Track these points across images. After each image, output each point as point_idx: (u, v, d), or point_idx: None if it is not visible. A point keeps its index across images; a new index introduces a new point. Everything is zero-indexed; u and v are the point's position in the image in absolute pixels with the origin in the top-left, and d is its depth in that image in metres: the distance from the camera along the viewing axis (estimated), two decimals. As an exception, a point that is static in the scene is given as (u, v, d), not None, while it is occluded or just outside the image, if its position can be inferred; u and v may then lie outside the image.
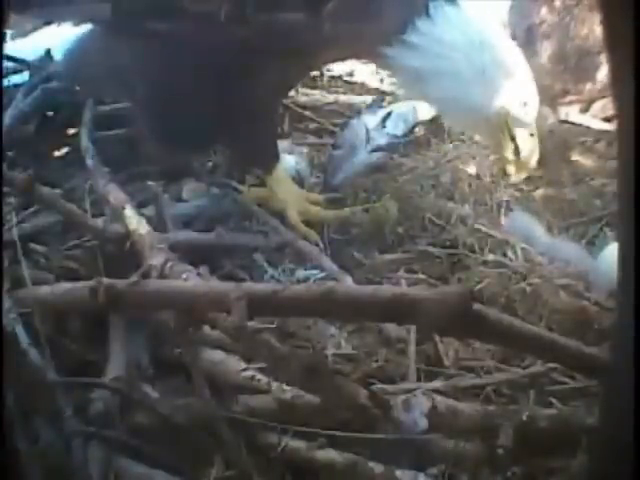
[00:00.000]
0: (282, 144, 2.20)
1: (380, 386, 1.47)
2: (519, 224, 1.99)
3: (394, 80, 2.00)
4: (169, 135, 1.90)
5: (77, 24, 1.85)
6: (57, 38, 2.01)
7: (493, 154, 2.13)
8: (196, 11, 1.65)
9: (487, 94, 1.84)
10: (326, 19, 1.63)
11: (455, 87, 1.83)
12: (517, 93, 1.86)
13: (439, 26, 1.79)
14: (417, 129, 2.36)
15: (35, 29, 1.98)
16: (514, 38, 2.65)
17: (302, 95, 2.58)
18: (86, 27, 1.88)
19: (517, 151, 1.90)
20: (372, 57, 1.91)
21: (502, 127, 1.89)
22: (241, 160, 2.14)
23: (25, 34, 2.02)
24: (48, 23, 1.91)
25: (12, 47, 2.18)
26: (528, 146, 1.91)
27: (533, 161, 1.94)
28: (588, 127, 2.49)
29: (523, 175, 2.00)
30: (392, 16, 1.74)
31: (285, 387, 1.42)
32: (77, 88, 2.26)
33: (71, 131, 2.28)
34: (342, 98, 2.63)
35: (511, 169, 1.95)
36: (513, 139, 1.90)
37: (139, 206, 1.79)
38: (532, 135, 1.91)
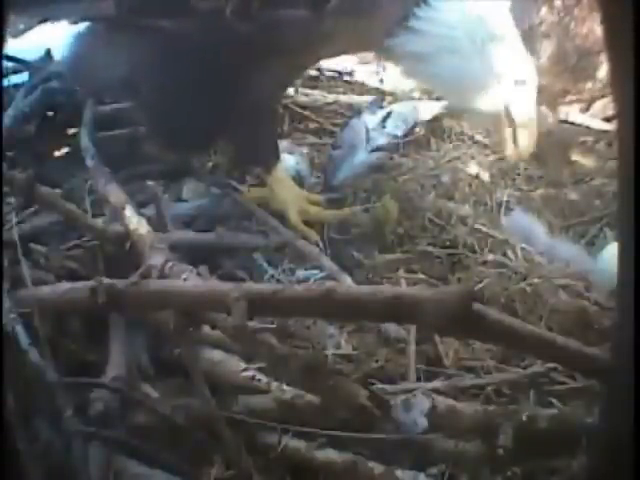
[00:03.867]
0: (282, 144, 2.20)
1: (380, 386, 1.47)
2: (519, 223, 1.99)
3: (398, 69, 1.98)
4: (170, 133, 1.90)
5: (79, 21, 1.85)
6: (57, 37, 2.01)
7: (493, 140, 2.12)
8: (202, 8, 1.66)
9: (486, 68, 1.85)
10: (329, 15, 1.64)
11: (456, 64, 1.83)
12: (515, 70, 1.87)
13: (438, 10, 1.81)
14: (417, 129, 2.36)
15: (31, 27, 1.98)
16: (514, 38, 2.67)
17: (302, 95, 2.58)
18: (87, 24, 1.88)
19: (515, 136, 1.90)
20: (375, 50, 1.93)
21: (500, 107, 1.88)
22: (242, 159, 2.14)
23: (21, 32, 2.02)
24: (44, 21, 1.91)
25: (11, 46, 2.18)
26: (525, 133, 1.89)
27: (529, 148, 1.93)
28: (588, 127, 2.49)
29: (518, 159, 2.01)
30: (393, 9, 1.76)
31: (285, 387, 1.42)
32: (77, 88, 2.25)
33: (71, 131, 2.27)
34: (342, 98, 2.63)
35: (509, 152, 1.95)
36: (512, 122, 1.89)
37: (139, 206, 1.79)
38: (530, 120, 1.90)
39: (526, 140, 1.90)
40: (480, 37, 1.83)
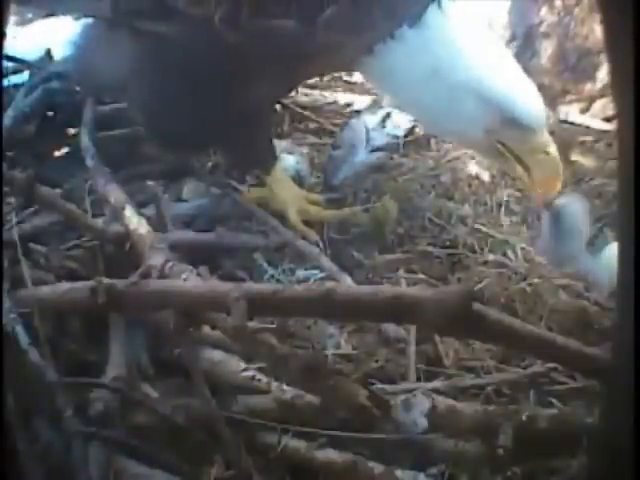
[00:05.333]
0: (282, 144, 2.20)
1: (380, 386, 1.47)
2: (573, 209, 1.91)
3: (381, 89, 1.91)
4: (165, 136, 1.91)
5: (77, 18, 1.85)
6: (57, 36, 2.01)
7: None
8: (191, 14, 1.65)
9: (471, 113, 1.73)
10: (320, 28, 1.62)
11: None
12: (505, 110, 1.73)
13: (427, 33, 1.71)
14: (417, 129, 2.36)
15: (33, 20, 1.99)
16: (514, 38, 2.67)
17: (302, 95, 2.58)
18: (86, 24, 1.88)
19: (528, 170, 1.74)
20: (360, 66, 1.83)
21: (495, 148, 1.77)
22: (239, 162, 2.14)
23: (29, 21, 2.03)
24: (49, 15, 1.91)
25: (11, 46, 2.19)
26: (541, 164, 1.74)
27: (555, 180, 1.74)
28: (588, 127, 2.49)
29: (552, 192, 1.79)
30: (384, 26, 1.71)
31: (285, 387, 1.42)
32: (77, 88, 2.26)
33: (71, 131, 2.27)
34: (342, 98, 2.62)
35: (534, 188, 1.79)
36: (519, 159, 1.75)
37: (139, 206, 1.79)
38: (547, 153, 1.73)
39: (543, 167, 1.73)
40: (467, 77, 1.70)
